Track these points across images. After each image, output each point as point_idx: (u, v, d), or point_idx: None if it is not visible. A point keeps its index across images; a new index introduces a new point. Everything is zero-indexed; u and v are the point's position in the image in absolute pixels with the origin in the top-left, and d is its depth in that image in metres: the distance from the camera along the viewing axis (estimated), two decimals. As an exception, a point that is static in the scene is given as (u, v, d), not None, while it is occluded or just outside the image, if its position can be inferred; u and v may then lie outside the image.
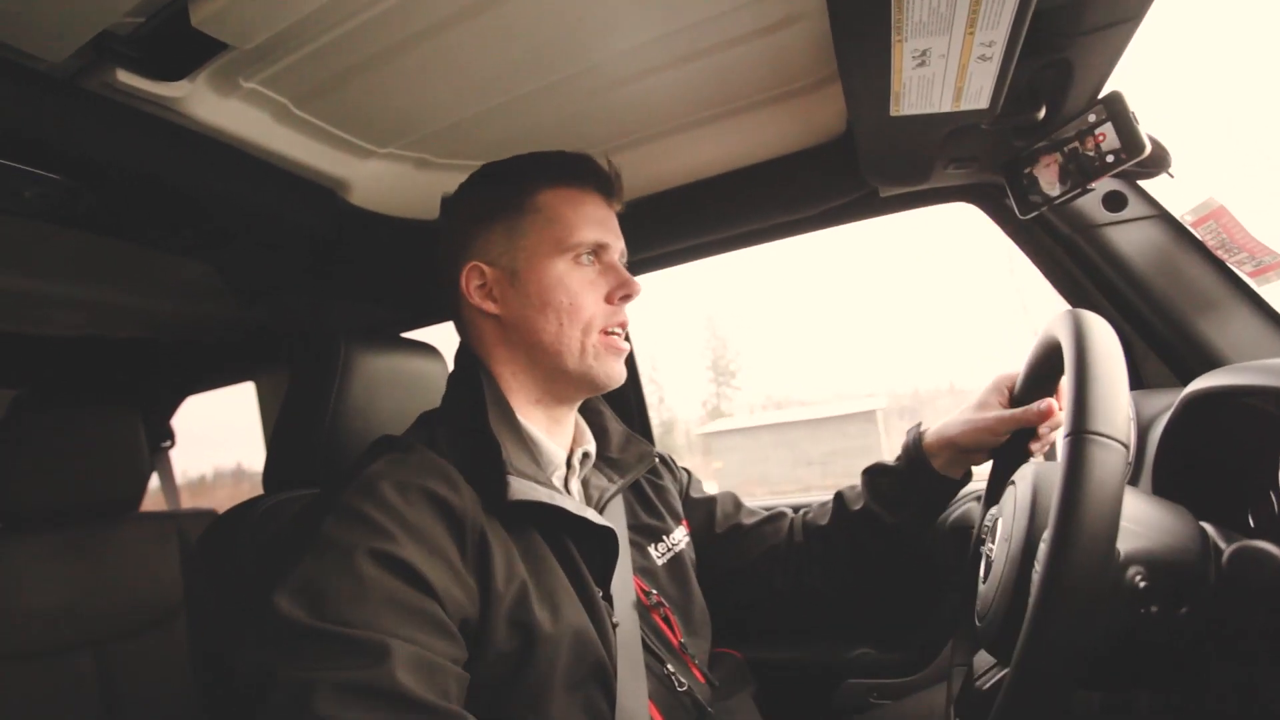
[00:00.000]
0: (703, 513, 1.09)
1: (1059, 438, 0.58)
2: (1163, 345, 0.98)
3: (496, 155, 0.94)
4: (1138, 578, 0.58)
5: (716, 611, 1.00)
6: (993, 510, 0.77)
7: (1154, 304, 0.97)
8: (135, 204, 0.92)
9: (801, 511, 1.10)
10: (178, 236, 1.06)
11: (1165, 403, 0.86)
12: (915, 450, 0.98)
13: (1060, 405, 0.88)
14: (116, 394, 1.65)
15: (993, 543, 0.73)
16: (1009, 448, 0.92)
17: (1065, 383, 0.60)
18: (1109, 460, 0.53)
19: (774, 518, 1.09)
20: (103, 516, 1.58)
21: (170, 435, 2.21)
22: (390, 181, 1.13)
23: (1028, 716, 0.53)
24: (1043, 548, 0.54)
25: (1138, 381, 1.02)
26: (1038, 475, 0.70)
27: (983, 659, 0.82)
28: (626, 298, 0.87)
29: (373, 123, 1.00)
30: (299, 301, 1.49)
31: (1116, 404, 0.56)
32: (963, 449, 0.95)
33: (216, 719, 0.83)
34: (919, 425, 1.01)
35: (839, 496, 1.06)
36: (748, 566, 1.05)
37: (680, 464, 1.16)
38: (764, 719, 0.96)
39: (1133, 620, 0.58)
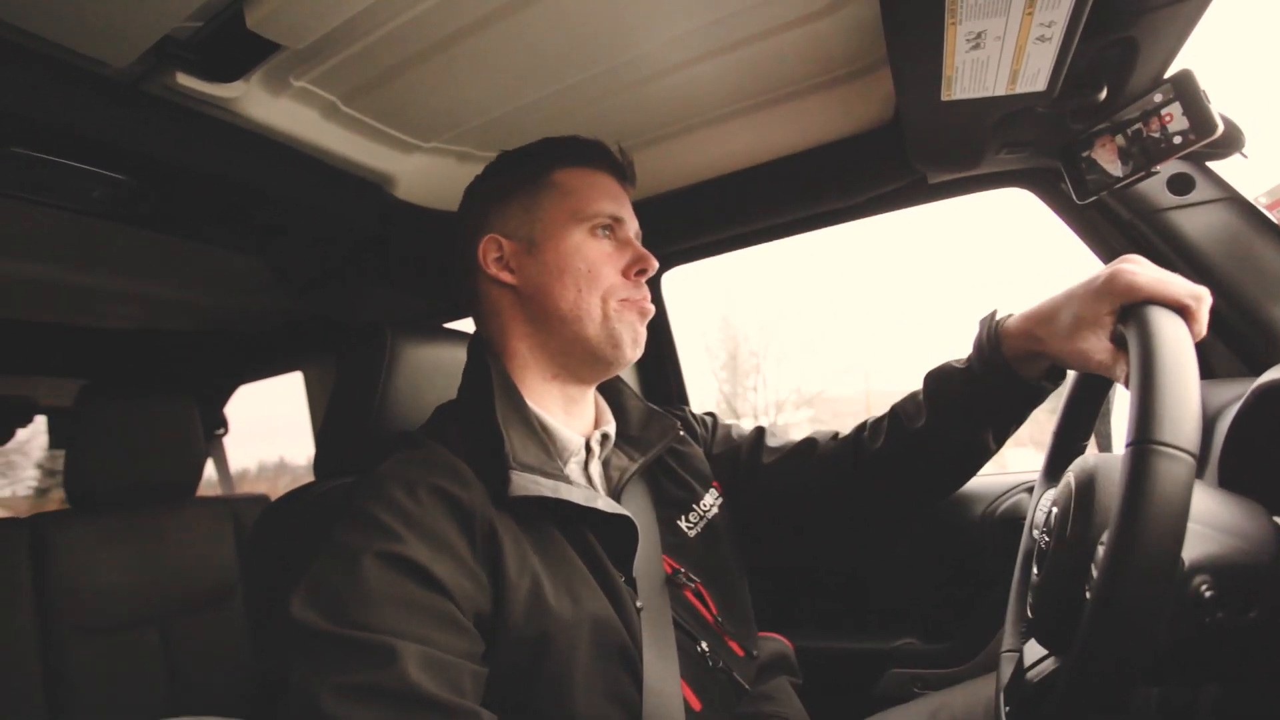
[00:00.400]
0: (728, 463, 1.02)
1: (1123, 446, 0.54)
2: (1232, 334, 0.94)
3: (538, 147, 0.94)
4: (1204, 587, 0.55)
5: (758, 594, 0.96)
6: (1044, 503, 0.74)
7: (1224, 291, 0.93)
8: (192, 202, 0.95)
9: (856, 429, 0.97)
10: (230, 232, 1.09)
11: (1234, 393, 0.82)
12: (991, 349, 0.81)
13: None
14: (173, 384, 1.72)
15: (1049, 535, 0.72)
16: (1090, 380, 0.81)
17: (1131, 385, 0.57)
18: (1175, 473, 0.50)
19: (801, 446, 0.99)
20: (163, 500, 1.66)
21: (224, 423, 2.30)
22: (434, 175, 1.14)
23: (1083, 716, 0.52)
24: (1101, 552, 0.53)
25: (1206, 371, 0.98)
26: (1098, 470, 0.67)
27: (1033, 649, 0.80)
28: (643, 273, 0.87)
29: (417, 118, 1.02)
30: (345, 292, 1.53)
31: (1187, 411, 0.52)
32: (1055, 362, 0.79)
33: (265, 695, 0.87)
34: (993, 314, 0.83)
35: (894, 412, 0.92)
36: (777, 504, 0.98)
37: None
38: (805, 705, 0.95)
39: (1197, 628, 0.55)
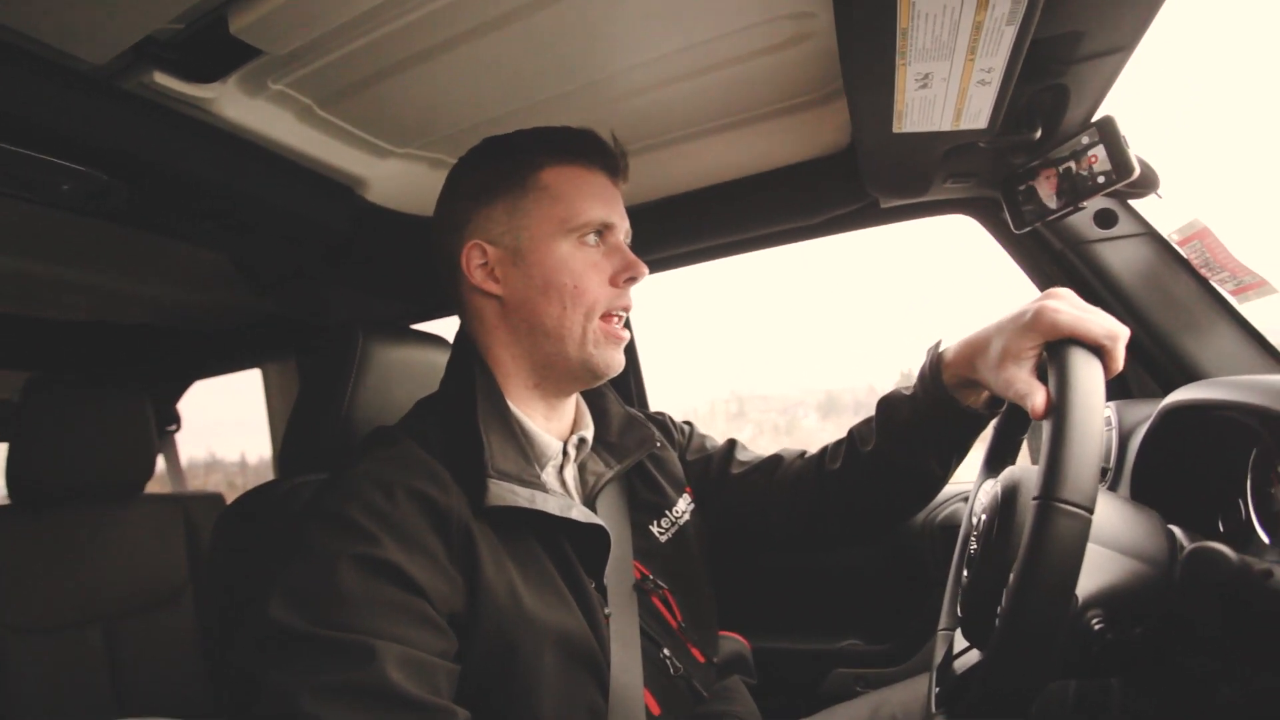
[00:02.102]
0: (700, 469, 1.04)
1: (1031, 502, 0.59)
2: (1147, 357, 1.03)
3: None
4: (1094, 620, 0.62)
5: (718, 594, 0.99)
6: (977, 506, 0.80)
7: (1140, 318, 1.01)
8: (163, 198, 0.95)
9: (820, 450, 1.00)
10: (199, 229, 1.09)
11: (1147, 412, 0.90)
12: (933, 381, 0.84)
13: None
14: (125, 378, 1.67)
15: (977, 541, 0.77)
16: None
17: (1044, 437, 0.61)
18: (1073, 528, 0.56)
19: (768, 463, 1.01)
20: (112, 497, 1.61)
21: (176, 419, 2.24)
22: (406, 180, 1.16)
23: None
24: (1011, 579, 0.59)
25: (1124, 392, 1.06)
26: (1020, 483, 0.72)
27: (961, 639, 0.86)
28: (631, 280, 0.85)
29: (393, 124, 1.04)
30: (310, 291, 1.52)
31: (1088, 470, 0.57)
32: (987, 394, 0.83)
33: (223, 694, 0.87)
34: (938, 345, 0.86)
35: (850, 436, 0.95)
36: (741, 517, 1.00)
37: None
38: (757, 703, 0.98)
39: (1088, 651, 0.62)
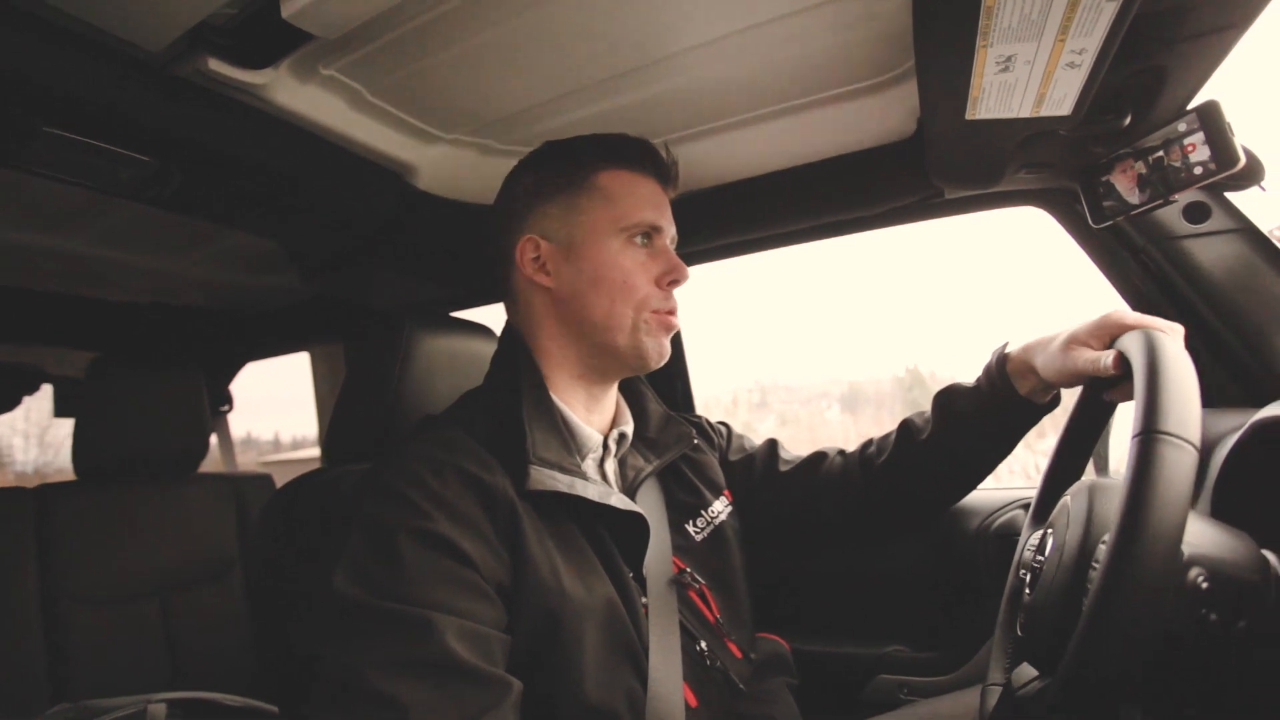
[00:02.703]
0: (741, 472, 1.08)
1: (1129, 439, 0.57)
2: (1237, 364, 0.95)
3: (558, 141, 0.94)
4: (1200, 579, 0.57)
5: (756, 595, 1.00)
6: (1034, 536, 0.76)
7: (1231, 321, 0.94)
8: (216, 184, 0.96)
9: (862, 445, 1.06)
10: (250, 214, 1.10)
11: (1234, 424, 0.84)
12: (998, 371, 0.92)
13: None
14: (181, 359, 1.72)
15: (1042, 556, 0.73)
16: (1092, 395, 0.85)
17: (1136, 384, 0.60)
18: (1180, 460, 0.53)
19: (813, 460, 1.06)
20: (168, 475, 1.67)
21: (229, 400, 2.31)
22: (454, 166, 1.15)
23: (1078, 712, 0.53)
24: (1103, 549, 0.54)
25: (1206, 400, 0.99)
26: (1094, 489, 0.70)
27: (1022, 671, 0.82)
28: (675, 283, 0.88)
29: (442, 109, 1.02)
30: (356, 276, 1.53)
31: (1190, 406, 0.56)
32: (1044, 380, 0.88)
33: (268, 668, 0.89)
34: (1004, 345, 0.94)
35: (905, 425, 1.01)
36: (790, 512, 1.04)
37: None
38: (798, 706, 0.97)
39: (1192, 623, 0.57)
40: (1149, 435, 0.54)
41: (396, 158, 1.08)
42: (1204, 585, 0.57)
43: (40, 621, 1.39)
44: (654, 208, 0.88)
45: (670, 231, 0.91)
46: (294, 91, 0.89)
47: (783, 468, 1.07)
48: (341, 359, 1.99)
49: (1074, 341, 0.82)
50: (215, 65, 0.78)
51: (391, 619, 0.63)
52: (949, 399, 0.97)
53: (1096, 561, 0.60)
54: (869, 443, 1.05)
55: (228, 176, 0.93)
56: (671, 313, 0.89)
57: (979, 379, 0.95)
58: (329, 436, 1.03)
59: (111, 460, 1.56)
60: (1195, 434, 0.54)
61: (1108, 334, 0.80)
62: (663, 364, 0.89)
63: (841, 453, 1.07)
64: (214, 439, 2.33)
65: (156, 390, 1.61)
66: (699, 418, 1.14)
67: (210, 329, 1.97)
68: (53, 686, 1.36)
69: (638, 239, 0.87)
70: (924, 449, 0.97)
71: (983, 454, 0.96)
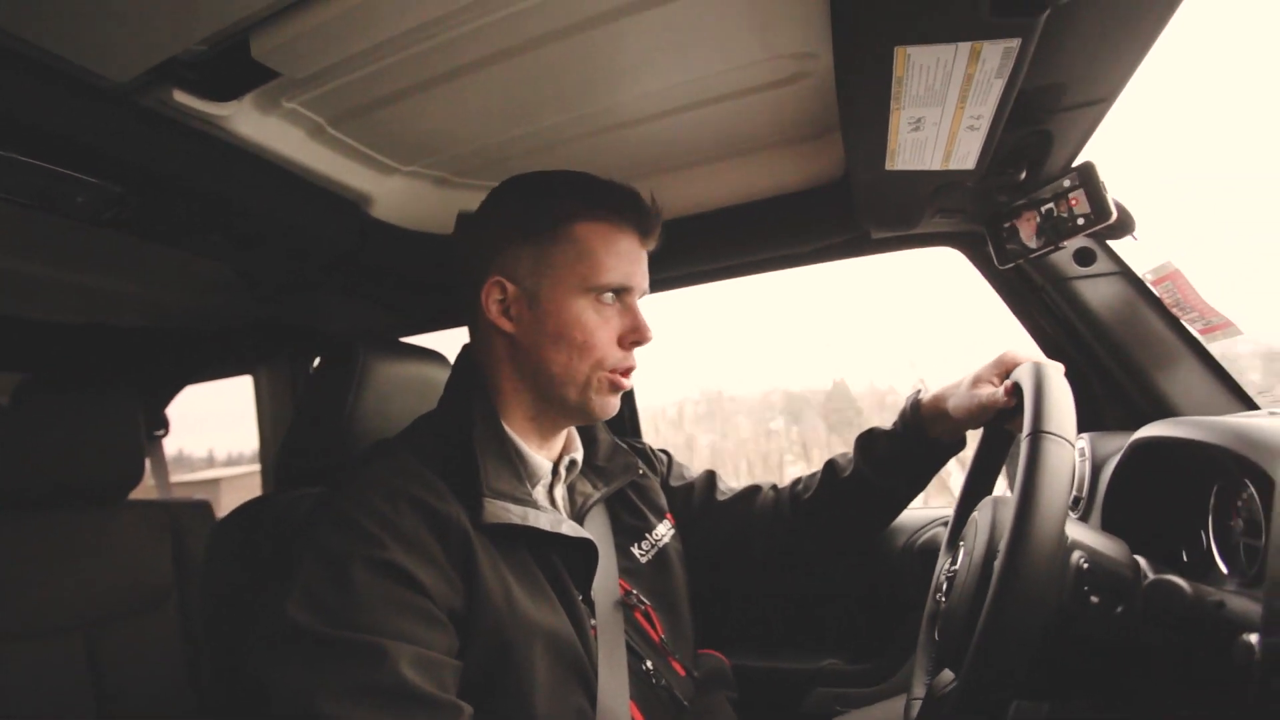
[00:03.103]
0: (681, 498, 1.12)
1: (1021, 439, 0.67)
2: (1120, 392, 1.07)
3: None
4: (1082, 560, 0.67)
5: (698, 612, 1.04)
6: (970, 532, 0.84)
7: (1115, 353, 1.06)
8: (173, 210, 0.96)
9: (791, 483, 1.13)
10: (206, 240, 1.10)
11: (1118, 445, 0.94)
12: (911, 415, 1.01)
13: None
14: (117, 381, 1.66)
15: (955, 566, 0.81)
16: (994, 431, 0.95)
17: (1025, 400, 0.70)
18: (1060, 452, 0.63)
19: (747, 493, 1.12)
20: (98, 501, 1.59)
21: (165, 424, 2.22)
22: (410, 197, 1.18)
23: (985, 689, 0.60)
24: (1003, 542, 0.62)
25: (1098, 424, 1.11)
26: (998, 501, 0.78)
27: (942, 676, 0.89)
28: (636, 343, 0.88)
29: (400, 143, 1.06)
30: (308, 300, 1.53)
31: (1067, 414, 0.67)
32: (955, 420, 0.97)
33: (205, 701, 0.87)
34: (918, 390, 1.03)
35: (829, 465, 1.08)
36: (725, 542, 1.09)
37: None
38: (739, 720, 1.02)
39: (1077, 605, 0.65)
40: (1035, 434, 0.65)
41: (354, 188, 1.11)
42: (1085, 565, 0.66)
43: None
44: (629, 263, 0.87)
45: (642, 288, 0.90)
46: (256, 123, 0.92)
47: (720, 498, 1.12)
48: (286, 383, 1.96)
49: (978, 380, 0.94)
50: (180, 97, 0.80)
51: (345, 647, 0.63)
52: (869, 442, 1.05)
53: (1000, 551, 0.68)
54: (798, 480, 1.12)
55: (186, 202, 0.94)
56: (627, 373, 0.89)
57: (895, 423, 1.04)
58: (280, 461, 1.03)
59: (35, 487, 1.48)
60: (1072, 434, 0.65)
61: (1004, 369, 0.92)
62: (612, 416, 0.91)
63: (774, 488, 1.13)
64: (148, 464, 2.24)
65: (87, 413, 1.54)
66: (642, 444, 1.18)
67: (149, 350, 1.91)
68: (-35, 728, 1.28)
69: (606, 297, 0.86)
70: (846, 486, 1.04)
71: (897, 491, 1.04)
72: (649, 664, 0.88)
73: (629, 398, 1.66)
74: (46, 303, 1.60)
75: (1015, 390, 0.91)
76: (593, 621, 0.83)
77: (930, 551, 1.25)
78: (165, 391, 2.17)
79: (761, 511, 1.10)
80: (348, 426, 0.97)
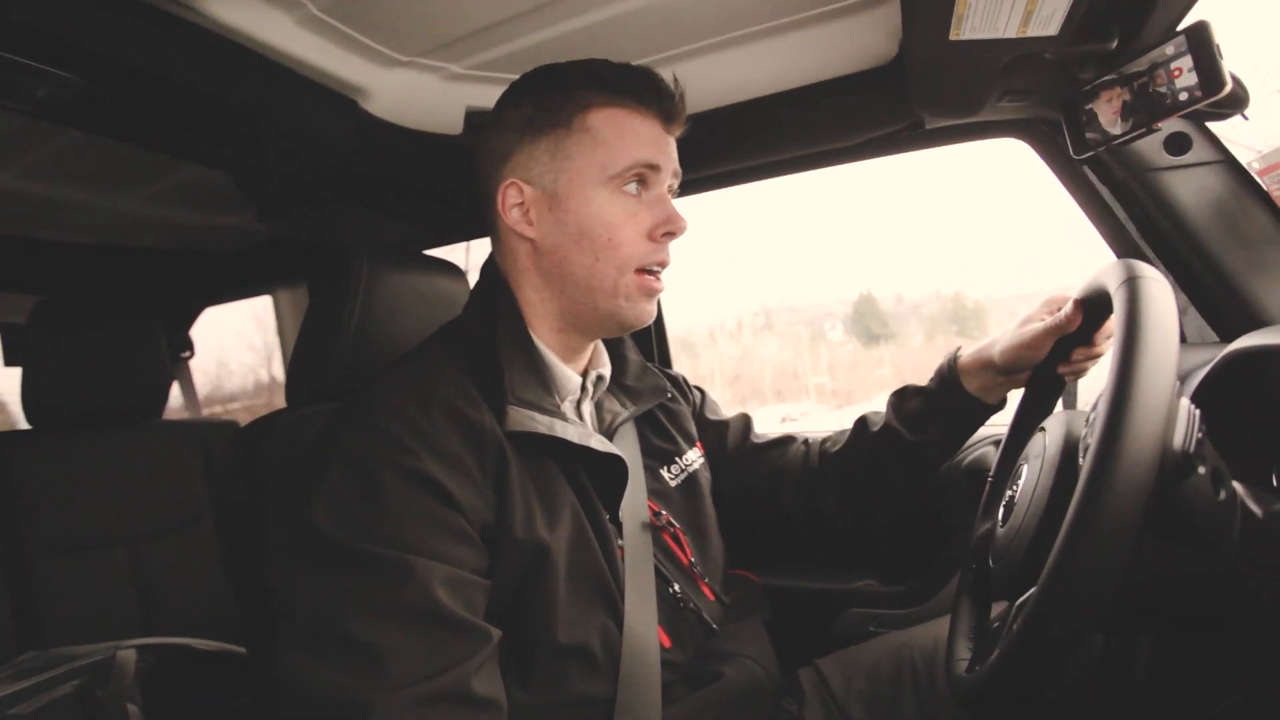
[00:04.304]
0: (715, 435, 1.09)
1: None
2: (1208, 301, 0.95)
3: (525, 67, 0.88)
4: (1198, 419, 0.58)
5: (729, 533, 1.02)
6: (1032, 451, 0.76)
7: (1206, 256, 0.93)
8: (151, 107, 0.88)
9: (821, 438, 1.10)
10: (195, 143, 1.03)
11: (1202, 359, 0.84)
12: (949, 371, 0.97)
13: (1097, 345, 0.88)
14: (137, 303, 1.66)
15: (1017, 485, 0.74)
16: (1045, 371, 0.90)
17: (1113, 266, 0.64)
18: (1164, 292, 0.57)
19: (782, 441, 1.10)
20: (128, 422, 1.62)
21: (190, 345, 2.24)
22: (413, 93, 1.08)
23: (1074, 598, 0.51)
24: (1086, 448, 0.54)
25: (1180, 337, 0.99)
26: (1070, 419, 0.70)
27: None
28: (669, 234, 0.81)
29: (395, 27, 0.95)
30: (320, 215, 1.47)
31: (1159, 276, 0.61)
32: (1000, 369, 0.92)
33: (248, 618, 0.88)
34: (958, 348, 0.99)
35: (861, 420, 1.05)
36: (755, 488, 1.06)
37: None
38: (770, 640, 0.99)
39: (1185, 476, 0.55)
40: (1131, 280, 0.59)
41: (349, 81, 1.01)
42: (1200, 434, 0.56)
43: (2, 570, 1.36)
44: (650, 144, 0.80)
45: (669, 170, 0.83)
46: (229, 3, 0.81)
47: (756, 440, 1.09)
48: (305, 303, 1.93)
49: (1027, 320, 0.90)
50: (137, -33, 0.71)
51: (373, 562, 0.61)
52: (901, 397, 1.01)
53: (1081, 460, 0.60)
54: (828, 437, 1.09)
55: (163, 98, 0.86)
56: (657, 272, 0.83)
57: (931, 379, 1.00)
58: (290, 377, 1.00)
59: (64, 408, 1.51)
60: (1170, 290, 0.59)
61: (1055, 305, 0.88)
62: (648, 323, 0.85)
63: (805, 441, 1.10)
64: (176, 385, 2.27)
65: (108, 335, 1.54)
66: (675, 373, 1.14)
67: (166, 272, 1.88)
68: (20, 634, 1.34)
69: (629, 186, 0.79)
70: (874, 440, 1.00)
71: (929, 448, 0.98)
72: (677, 587, 0.86)
73: (659, 327, 1.58)
74: (59, 224, 1.57)
75: (1083, 306, 0.82)
76: (620, 542, 0.81)
77: (977, 473, 1.18)
78: (187, 314, 2.17)
79: (793, 462, 1.07)
80: (354, 341, 0.93)
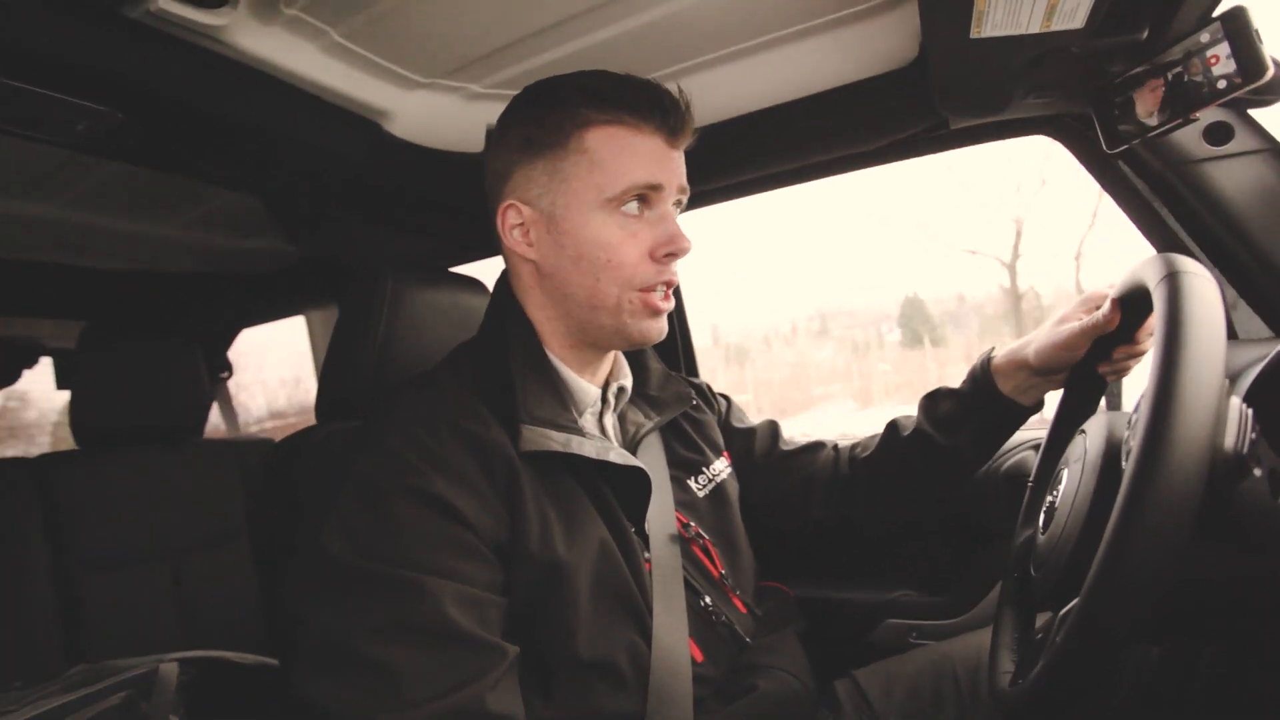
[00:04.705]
0: (742, 443, 1.08)
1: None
2: (1259, 294, 0.91)
3: (543, 85, 0.89)
4: (1249, 413, 0.55)
5: (760, 544, 1.00)
6: (1072, 455, 0.74)
7: (1254, 248, 0.89)
8: (182, 136, 0.91)
9: (850, 443, 1.08)
10: (224, 169, 1.06)
11: (1254, 355, 0.80)
12: (982, 372, 0.94)
13: (1139, 343, 0.84)
14: (177, 326, 1.71)
15: (1057, 490, 0.71)
16: (1084, 371, 0.87)
17: (1153, 259, 0.61)
18: (1207, 288, 0.54)
19: (812, 447, 1.08)
20: (169, 442, 1.66)
21: (228, 366, 2.30)
22: (434, 113, 1.09)
23: (1118, 603, 0.49)
24: (1128, 455, 0.52)
25: (1229, 333, 0.95)
26: (1111, 420, 0.67)
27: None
28: (671, 255, 0.79)
29: (415, 50, 0.96)
30: (347, 235, 1.50)
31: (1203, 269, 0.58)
32: (1036, 369, 0.89)
33: (281, 631, 0.89)
34: (991, 349, 0.96)
35: (891, 424, 1.02)
36: (784, 495, 1.05)
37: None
38: (806, 654, 0.97)
39: (1239, 475, 0.52)
40: (1173, 276, 0.56)
41: (372, 104, 1.03)
42: (1252, 428, 0.53)
43: (52, 586, 1.41)
44: (652, 163, 0.77)
45: (673, 187, 0.80)
46: (255, 34, 0.84)
47: (784, 448, 1.07)
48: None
49: (1064, 319, 0.87)
50: (167, 4, 0.73)
51: (384, 582, 0.61)
52: (933, 400, 0.99)
53: (1124, 463, 0.57)
54: (858, 442, 1.07)
55: (193, 127, 0.89)
56: (667, 290, 0.81)
57: (963, 381, 0.97)
58: (319, 395, 1.01)
59: (109, 428, 1.56)
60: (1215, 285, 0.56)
61: (1094, 303, 0.85)
62: (660, 339, 0.83)
63: (835, 447, 1.08)
64: (216, 407, 2.33)
65: (150, 357, 1.59)
66: (700, 382, 1.13)
67: (203, 295, 1.94)
68: (67, 649, 1.38)
69: (629, 206, 0.77)
70: (906, 444, 0.98)
71: (961, 451, 0.95)
72: (708, 600, 0.85)
73: (684, 336, 1.57)
74: (101, 251, 1.63)
75: (1122, 304, 0.79)
76: (647, 555, 0.80)
77: (1018, 477, 1.14)
78: (224, 335, 2.23)
79: (822, 469, 1.05)
80: (380, 358, 0.94)
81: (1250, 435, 0.53)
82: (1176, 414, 0.47)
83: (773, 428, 1.11)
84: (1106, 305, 0.81)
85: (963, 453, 0.95)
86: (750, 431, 1.09)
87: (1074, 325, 0.85)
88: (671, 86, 0.80)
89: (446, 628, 0.60)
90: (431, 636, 0.60)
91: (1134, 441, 0.51)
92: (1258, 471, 0.52)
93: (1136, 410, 0.59)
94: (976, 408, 0.93)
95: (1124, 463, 0.58)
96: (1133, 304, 0.79)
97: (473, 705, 0.59)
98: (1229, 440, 0.52)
